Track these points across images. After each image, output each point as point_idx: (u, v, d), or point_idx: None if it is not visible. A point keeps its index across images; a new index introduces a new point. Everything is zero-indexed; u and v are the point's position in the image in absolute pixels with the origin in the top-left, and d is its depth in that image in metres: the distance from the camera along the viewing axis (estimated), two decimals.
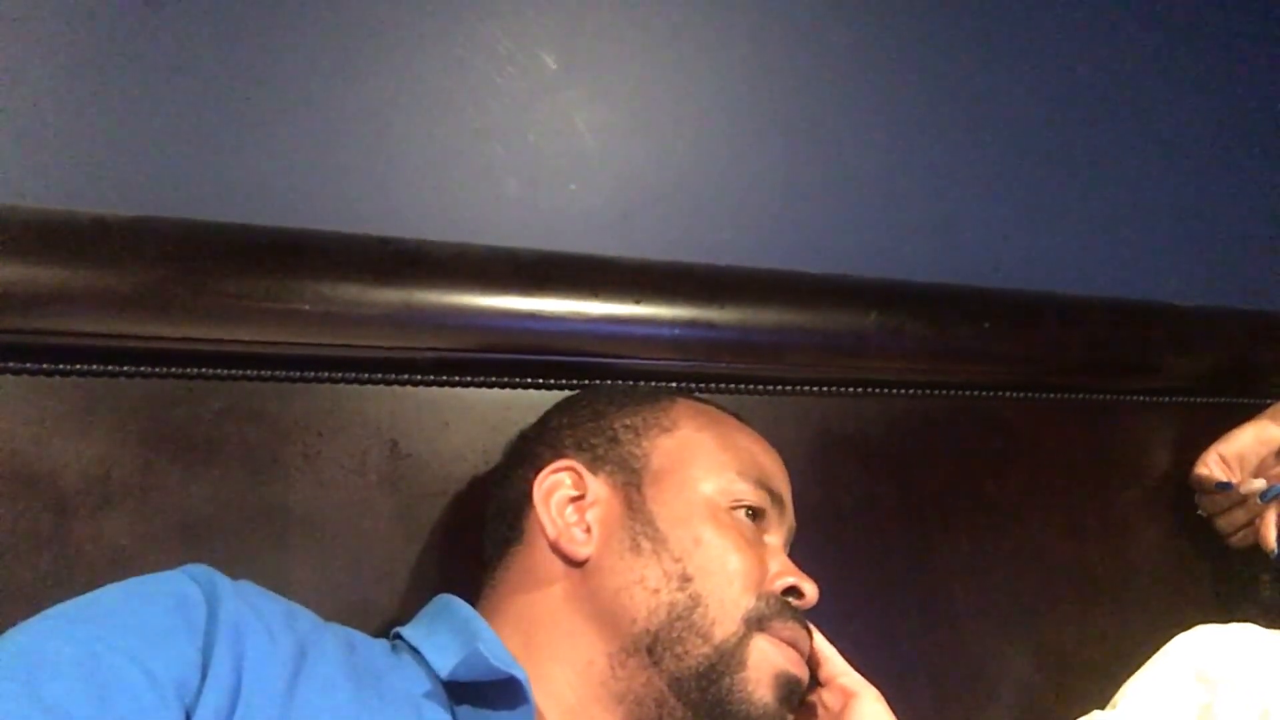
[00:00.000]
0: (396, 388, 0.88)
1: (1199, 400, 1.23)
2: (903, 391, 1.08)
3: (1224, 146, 1.36)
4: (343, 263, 0.84)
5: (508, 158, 0.99)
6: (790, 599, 0.79)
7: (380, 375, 0.87)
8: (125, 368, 0.79)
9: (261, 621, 0.63)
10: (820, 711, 0.82)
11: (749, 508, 0.80)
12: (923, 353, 1.07)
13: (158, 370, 0.80)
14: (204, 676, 0.58)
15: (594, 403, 0.86)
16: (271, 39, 0.91)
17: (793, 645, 0.77)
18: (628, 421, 0.83)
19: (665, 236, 1.04)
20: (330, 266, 0.83)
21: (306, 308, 0.81)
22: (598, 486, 0.80)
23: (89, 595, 0.62)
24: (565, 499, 0.79)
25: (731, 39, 1.10)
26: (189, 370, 0.81)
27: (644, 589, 0.75)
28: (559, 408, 0.87)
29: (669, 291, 0.95)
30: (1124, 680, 0.98)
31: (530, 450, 0.84)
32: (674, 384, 0.95)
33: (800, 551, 0.84)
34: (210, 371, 0.82)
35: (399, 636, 0.75)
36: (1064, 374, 1.16)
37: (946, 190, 1.19)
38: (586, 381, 0.93)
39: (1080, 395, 1.17)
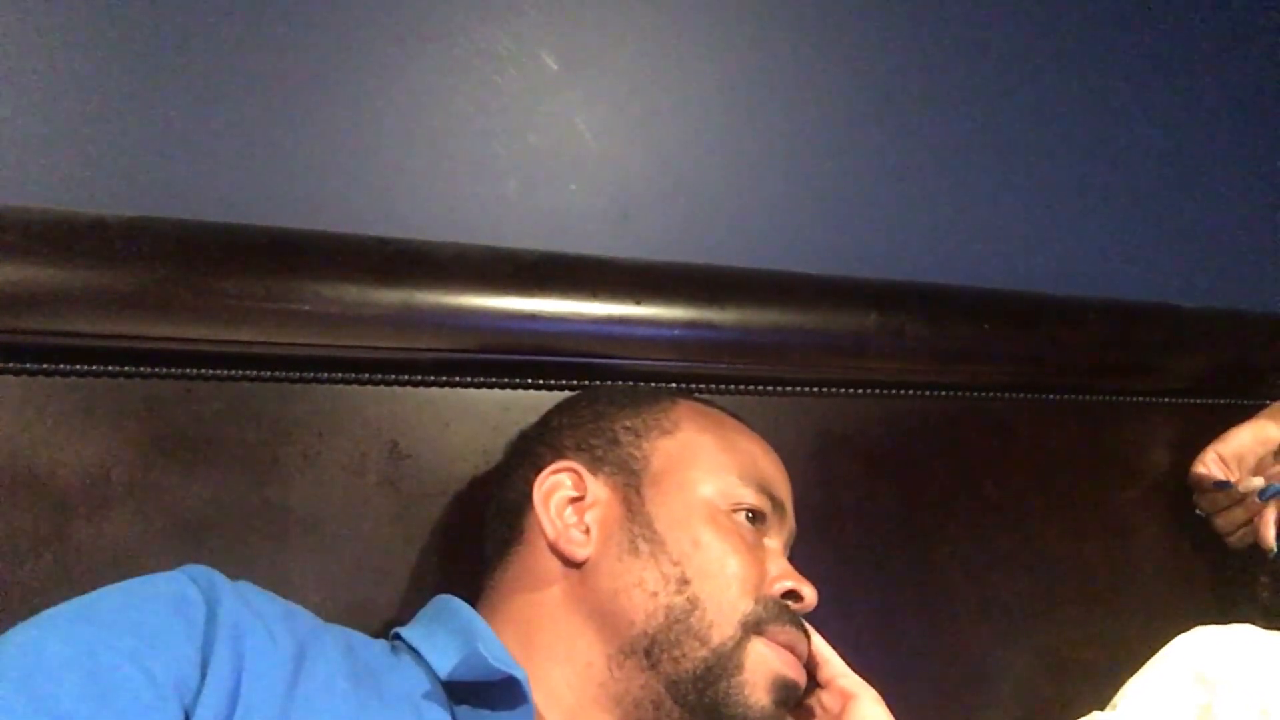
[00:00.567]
0: (396, 388, 0.88)
1: (1198, 401, 1.23)
2: (903, 392, 1.08)
3: (1224, 148, 1.36)
4: (343, 263, 0.84)
5: (508, 158, 0.99)
6: (789, 602, 0.79)
7: (380, 376, 0.87)
8: (125, 368, 0.79)
9: (261, 622, 0.63)
10: (819, 713, 0.82)
11: (749, 510, 0.80)
12: (923, 353, 1.07)
13: (157, 371, 0.80)
14: (203, 677, 0.58)
15: (594, 404, 0.86)
16: (271, 40, 0.91)
17: (790, 649, 0.77)
18: (628, 423, 0.83)
19: (665, 237, 1.04)
20: (330, 267, 0.83)
21: (306, 308, 0.81)
22: (597, 488, 0.80)
23: (88, 596, 0.62)
24: (565, 500, 0.79)
25: (732, 40, 1.10)
26: (189, 371, 0.81)
27: (642, 591, 0.75)
28: (559, 408, 0.87)
29: (669, 292, 0.95)
30: (1124, 681, 0.98)
31: (530, 451, 0.84)
32: (674, 385, 0.95)
33: (800, 552, 0.84)
34: (210, 372, 0.82)
35: (398, 637, 0.75)
36: (1064, 375, 1.16)
37: (947, 191, 1.19)
38: (587, 382, 0.93)
39: (1080, 396, 1.17)
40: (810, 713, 0.82)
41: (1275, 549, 1.07)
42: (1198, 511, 1.17)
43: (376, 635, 0.76)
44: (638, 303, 0.92)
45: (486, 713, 0.68)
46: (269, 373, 0.84)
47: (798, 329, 1.00)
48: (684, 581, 0.75)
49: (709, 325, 0.95)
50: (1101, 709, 0.98)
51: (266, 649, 0.62)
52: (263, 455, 0.83)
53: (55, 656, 0.55)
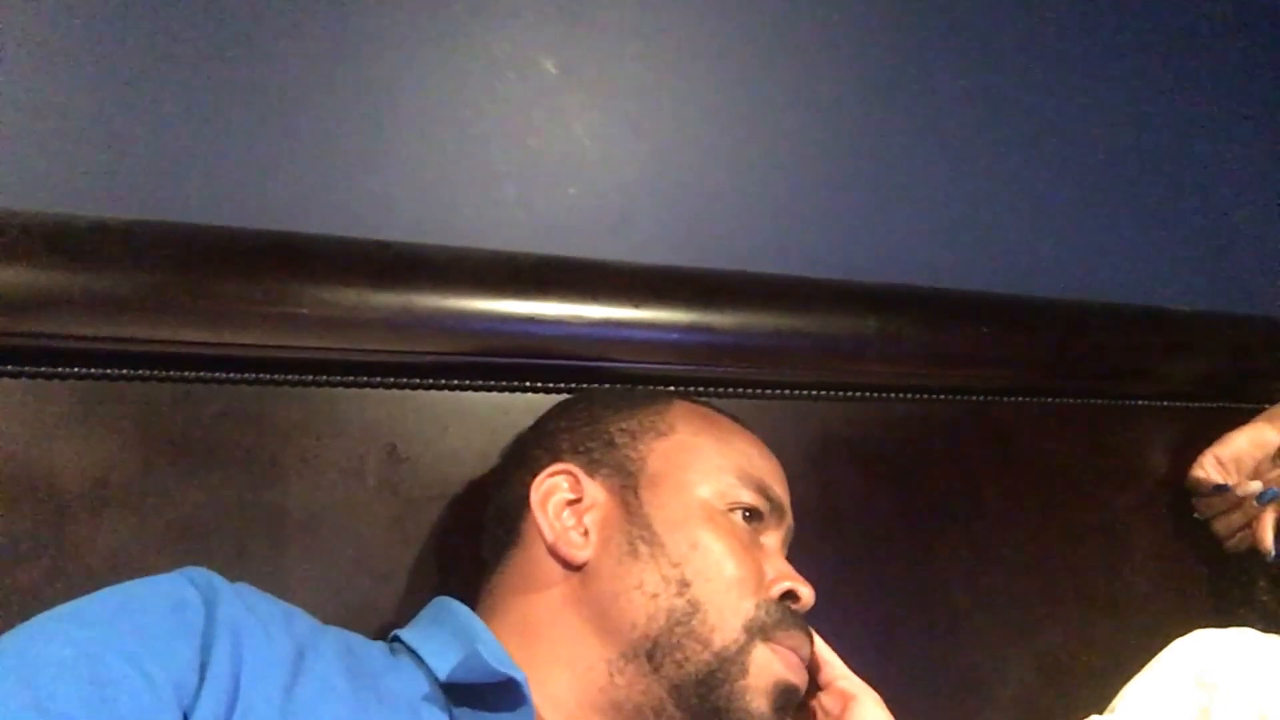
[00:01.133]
0: (395, 391, 0.88)
1: (1196, 405, 1.23)
2: (902, 396, 1.08)
3: (1224, 152, 1.37)
4: (341, 267, 0.84)
5: (507, 162, 0.99)
6: (788, 603, 0.79)
7: (379, 379, 0.87)
8: (124, 371, 0.79)
9: (259, 624, 0.63)
10: (820, 715, 0.82)
11: (746, 509, 0.80)
12: (922, 357, 1.07)
13: (156, 373, 0.80)
14: (202, 678, 0.58)
15: (591, 406, 0.86)
16: (271, 44, 0.91)
17: (794, 652, 0.77)
18: (624, 425, 0.83)
19: (664, 241, 1.04)
20: (329, 270, 0.83)
21: (305, 311, 0.81)
22: (595, 490, 0.80)
23: (87, 598, 0.62)
24: (562, 502, 0.79)
25: (730, 44, 1.10)
26: (187, 373, 0.81)
27: (642, 593, 0.75)
28: (556, 411, 0.87)
29: (668, 295, 0.95)
30: (1122, 684, 0.98)
31: (527, 454, 0.84)
32: (673, 388, 0.96)
33: (799, 555, 0.84)
34: (209, 375, 0.82)
35: (397, 639, 0.75)
36: (1063, 379, 1.16)
37: (946, 195, 1.19)
38: (585, 385, 0.93)
39: (1078, 400, 1.17)
40: (811, 715, 0.82)
41: (1273, 553, 1.07)
42: (1196, 515, 1.17)
43: (375, 637, 0.76)
44: (636, 306, 0.92)
45: (486, 715, 0.68)
46: (268, 376, 0.84)
47: (796, 333, 1.00)
48: (684, 584, 0.75)
49: (707, 329, 0.96)
50: (1100, 712, 0.97)
51: (265, 650, 0.62)
52: (261, 458, 0.83)
53: (54, 658, 0.55)
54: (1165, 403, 1.22)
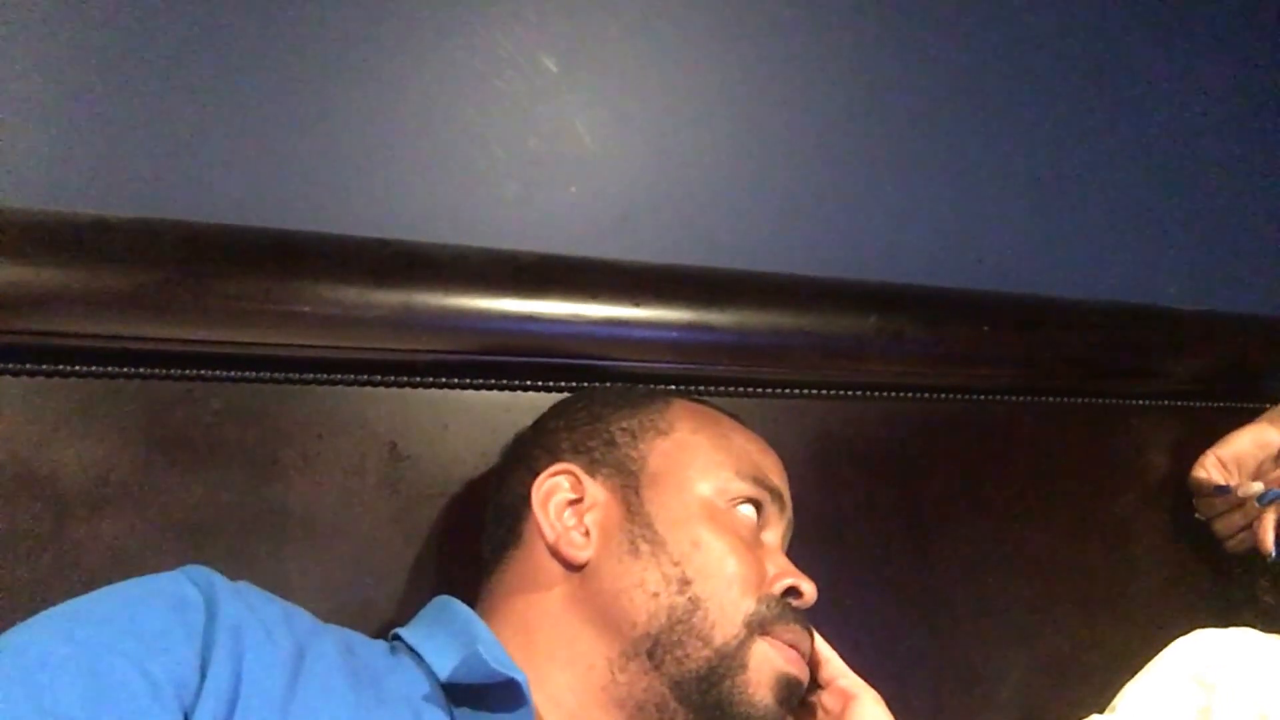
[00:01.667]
0: (396, 390, 0.88)
1: (1198, 404, 1.23)
2: (903, 395, 1.08)
3: (1224, 151, 1.36)
4: (343, 265, 0.84)
5: (508, 160, 0.99)
6: (789, 599, 0.79)
7: (380, 377, 0.87)
8: (125, 369, 0.79)
9: (260, 623, 0.63)
10: (820, 714, 0.82)
11: (748, 500, 0.80)
12: (923, 356, 1.07)
13: (157, 371, 0.80)
14: (202, 678, 0.58)
15: (590, 405, 0.85)
16: (272, 41, 0.91)
17: (794, 647, 0.77)
18: (624, 424, 0.83)
19: (665, 239, 1.04)
20: (330, 268, 0.83)
21: (306, 309, 0.81)
22: (595, 490, 0.80)
23: (88, 596, 0.62)
24: (563, 502, 0.79)
25: (731, 42, 1.10)
26: (189, 371, 0.81)
27: (643, 592, 0.75)
28: (556, 411, 0.87)
29: (668, 294, 0.95)
30: (1123, 684, 0.98)
31: (527, 454, 0.84)
32: (673, 387, 0.96)
33: (800, 554, 0.84)
34: (210, 373, 0.82)
35: (398, 638, 0.75)
36: (1064, 378, 1.16)
37: (947, 194, 1.19)
38: (585, 384, 0.93)
39: (1080, 399, 1.17)
40: (811, 713, 0.82)
41: (1274, 554, 1.07)
42: (1197, 515, 1.17)
43: (375, 636, 0.76)
44: (637, 305, 0.92)
45: (486, 715, 0.68)
46: (269, 374, 0.84)
47: (797, 331, 1.00)
48: (685, 582, 0.75)
49: (708, 327, 0.96)
50: (1101, 712, 0.98)
51: (266, 649, 0.62)
52: (262, 456, 0.83)
53: (54, 657, 0.55)
54: (1166, 402, 1.22)
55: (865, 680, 0.82)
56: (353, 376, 0.86)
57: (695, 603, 0.74)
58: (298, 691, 0.62)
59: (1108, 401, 1.19)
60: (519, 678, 0.67)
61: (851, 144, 1.15)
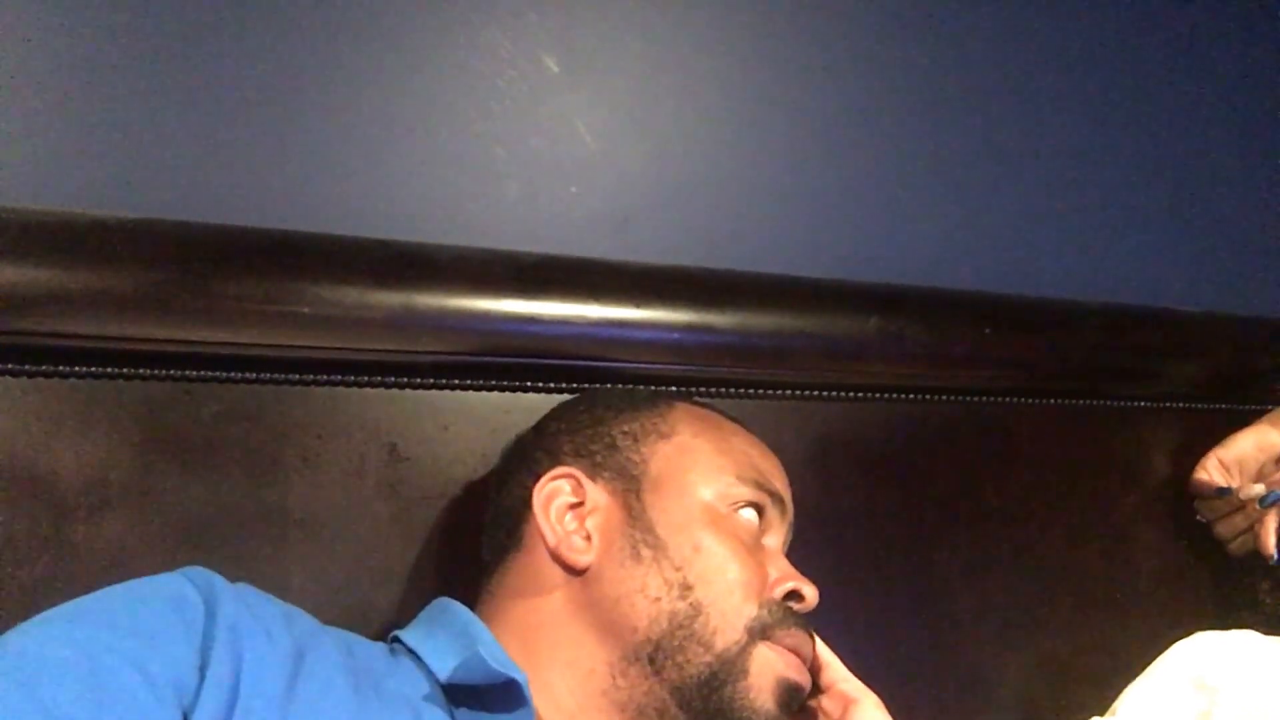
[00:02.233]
0: (396, 391, 0.88)
1: (1198, 406, 1.23)
2: (903, 397, 1.08)
3: (1224, 152, 1.36)
4: (343, 265, 0.84)
5: (509, 161, 0.99)
6: (791, 603, 0.78)
7: (379, 378, 0.87)
8: (124, 370, 0.79)
9: (260, 623, 0.63)
10: (820, 718, 0.82)
11: (749, 504, 0.80)
12: (923, 358, 1.07)
13: (157, 372, 0.80)
14: (202, 678, 0.58)
15: (592, 408, 0.85)
16: (271, 42, 0.91)
17: (795, 652, 0.77)
18: (626, 428, 0.83)
19: (666, 240, 1.04)
20: (330, 269, 0.83)
21: (306, 310, 0.81)
22: (597, 493, 0.79)
23: (87, 597, 0.62)
24: (565, 506, 0.79)
25: (733, 43, 1.10)
26: (188, 372, 0.81)
27: (645, 597, 0.75)
28: (557, 413, 0.87)
29: (669, 295, 0.94)
30: (1123, 686, 0.98)
31: (528, 456, 0.83)
32: (674, 388, 0.95)
33: (800, 556, 0.84)
34: (209, 374, 0.82)
35: (397, 640, 0.75)
36: (1064, 379, 1.16)
37: (947, 195, 1.19)
38: (586, 385, 0.92)
39: (1080, 401, 1.17)
40: (811, 716, 0.82)
41: (1275, 556, 1.06)
42: (1199, 518, 1.17)
43: (375, 637, 0.76)
44: (638, 306, 0.92)
45: (485, 716, 0.68)
46: (268, 375, 0.84)
47: (798, 333, 1.00)
48: (687, 587, 0.75)
49: (709, 329, 0.95)
50: (1101, 714, 0.97)
51: (265, 650, 0.62)
52: (262, 457, 0.83)
53: (54, 658, 0.55)
54: (1167, 403, 1.22)
55: (866, 683, 0.82)
56: (353, 377, 0.86)
57: (697, 608, 0.74)
58: (297, 692, 0.62)
59: (1109, 403, 1.19)
60: (519, 678, 0.67)
61: (853, 145, 1.15)
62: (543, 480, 0.79)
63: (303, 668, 0.64)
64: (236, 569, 0.69)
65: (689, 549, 0.76)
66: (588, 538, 0.78)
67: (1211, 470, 1.13)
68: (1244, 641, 0.97)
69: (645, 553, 0.76)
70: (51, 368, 0.77)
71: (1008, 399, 1.13)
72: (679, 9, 1.07)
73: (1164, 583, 1.17)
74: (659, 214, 1.05)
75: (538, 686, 0.70)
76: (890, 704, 0.81)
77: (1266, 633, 0.99)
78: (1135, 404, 1.20)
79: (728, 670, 0.74)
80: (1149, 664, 0.98)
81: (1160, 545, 1.17)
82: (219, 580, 0.65)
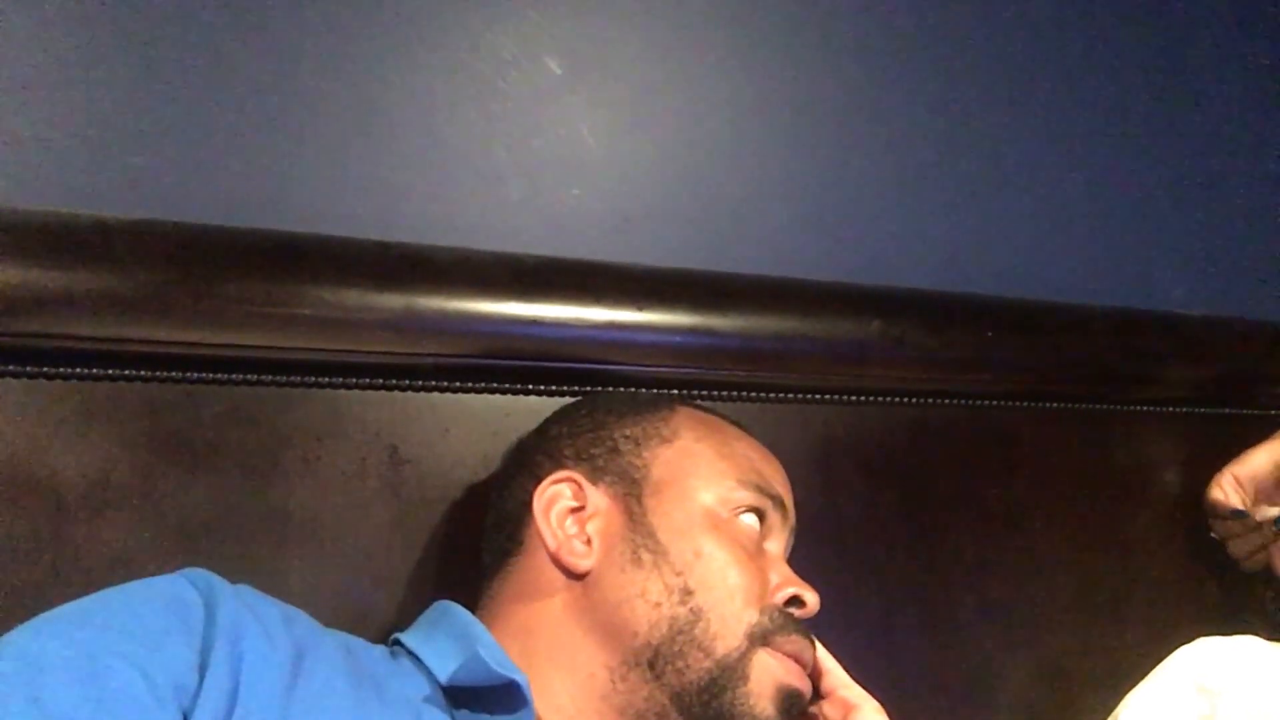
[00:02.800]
0: (397, 393, 0.88)
1: (1202, 410, 1.23)
2: (905, 400, 1.08)
3: (1227, 155, 1.36)
4: (344, 267, 0.84)
5: (511, 163, 0.99)
6: (792, 609, 0.78)
7: (381, 381, 0.87)
8: (125, 372, 0.79)
9: (260, 624, 0.63)
10: None
11: (751, 509, 0.80)
12: (925, 361, 1.07)
13: (158, 374, 0.80)
14: (202, 679, 0.58)
15: (594, 412, 0.85)
16: (273, 44, 0.91)
17: (796, 658, 0.77)
18: (628, 431, 0.83)
19: (668, 243, 1.04)
20: (331, 271, 0.83)
21: (307, 312, 0.81)
22: (598, 497, 0.79)
23: (88, 598, 0.62)
24: (565, 510, 0.79)
25: (735, 46, 1.10)
26: (189, 375, 0.81)
27: (645, 602, 0.75)
28: (558, 416, 0.87)
29: (671, 298, 0.94)
30: (1125, 691, 0.98)
31: (529, 460, 0.83)
32: (676, 391, 0.95)
33: (802, 560, 0.84)
34: (210, 376, 0.82)
35: (398, 642, 0.75)
36: (1067, 383, 1.16)
37: (950, 199, 1.19)
38: (588, 388, 0.93)
39: (1083, 405, 1.17)
40: None
41: None
42: (1212, 534, 1.16)
43: (375, 640, 0.76)
44: (639, 309, 0.92)
45: (486, 717, 0.68)
46: (269, 377, 0.84)
47: (800, 336, 1.00)
48: (687, 592, 0.75)
49: (711, 332, 0.95)
50: (1104, 719, 0.97)
51: (265, 651, 0.62)
52: (263, 460, 0.83)
53: (54, 659, 0.56)
54: (1170, 408, 1.21)
55: (867, 688, 0.82)
56: (354, 380, 0.86)
57: (697, 613, 0.74)
58: (297, 692, 0.62)
59: (1111, 407, 1.19)
60: (520, 679, 0.67)
61: (855, 148, 1.15)
62: (544, 484, 0.79)
63: (302, 669, 0.64)
64: (237, 571, 0.69)
65: (690, 554, 0.76)
66: (588, 542, 0.77)
67: (1227, 489, 1.12)
68: (1247, 647, 0.97)
69: (646, 557, 0.76)
70: (53, 369, 0.77)
71: (1010, 402, 1.13)
72: (681, 11, 1.07)
73: (1167, 587, 1.17)
74: (661, 216, 1.05)
75: (538, 689, 0.70)
76: (892, 709, 0.81)
77: (1269, 639, 0.99)
78: (1138, 408, 1.20)
79: (728, 676, 0.74)
80: (1151, 669, 0.98)
81: (1163, 550, 1.17)
82: (219, 581, 0.65)
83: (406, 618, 0.80)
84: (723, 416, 0.88)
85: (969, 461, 1.11)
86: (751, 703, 0.74)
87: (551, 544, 0.77)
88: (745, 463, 0.82)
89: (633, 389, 0.93)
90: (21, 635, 0.58)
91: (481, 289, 0.87)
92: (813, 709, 0.81)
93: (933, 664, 1.05)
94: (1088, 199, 1.27)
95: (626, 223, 1.03)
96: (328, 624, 0.72)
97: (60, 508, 0.77)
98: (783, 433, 0.97)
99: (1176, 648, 0.98)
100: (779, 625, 0.76)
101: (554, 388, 0.92)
